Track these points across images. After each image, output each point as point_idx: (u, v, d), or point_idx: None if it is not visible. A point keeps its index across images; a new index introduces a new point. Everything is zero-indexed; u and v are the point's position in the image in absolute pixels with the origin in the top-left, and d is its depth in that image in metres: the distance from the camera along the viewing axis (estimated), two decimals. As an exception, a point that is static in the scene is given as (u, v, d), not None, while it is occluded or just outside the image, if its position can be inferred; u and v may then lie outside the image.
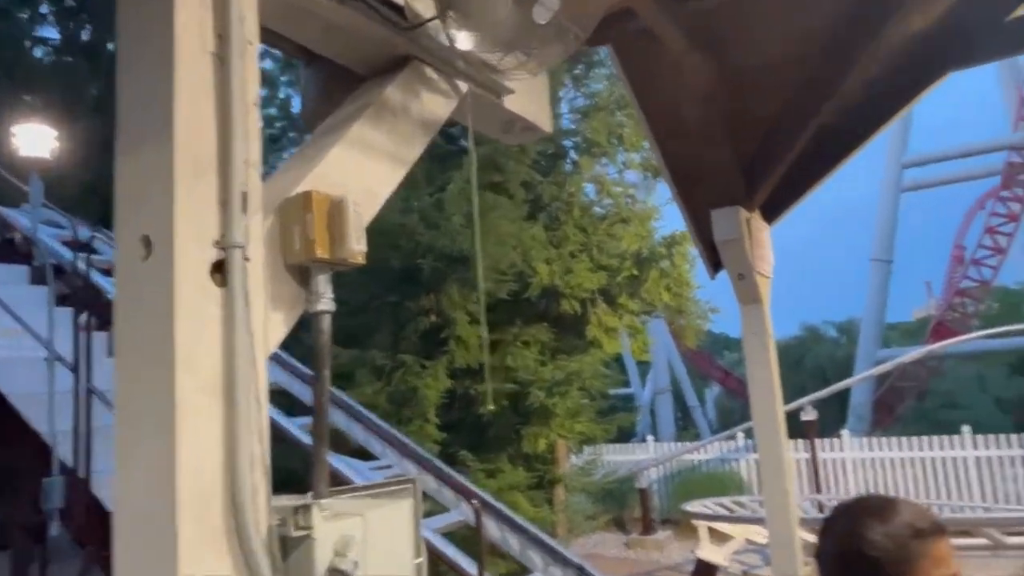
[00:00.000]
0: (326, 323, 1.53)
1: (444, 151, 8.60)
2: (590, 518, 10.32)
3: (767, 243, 4.74)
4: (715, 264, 4.64)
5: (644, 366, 30.59)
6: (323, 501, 1.47)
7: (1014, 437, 11.71)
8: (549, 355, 8.55)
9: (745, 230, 4.40)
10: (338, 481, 4.59)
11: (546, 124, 2.45)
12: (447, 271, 7.88)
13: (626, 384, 31.13)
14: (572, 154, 9.41)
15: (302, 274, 1.51)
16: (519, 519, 4.92)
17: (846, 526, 1.37)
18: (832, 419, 24.22)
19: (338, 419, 5.41)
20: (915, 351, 14.35)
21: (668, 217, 9.45)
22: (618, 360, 25.18)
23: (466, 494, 4.69)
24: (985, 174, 26.31)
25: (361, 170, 1.66)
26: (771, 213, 4.90)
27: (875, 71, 4.86)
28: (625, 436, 16.30)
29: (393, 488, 1.69)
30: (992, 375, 30.35)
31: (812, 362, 29.63)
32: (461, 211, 7.88)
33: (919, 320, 42.23)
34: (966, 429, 12.08)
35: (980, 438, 11.90)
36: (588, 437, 9.33)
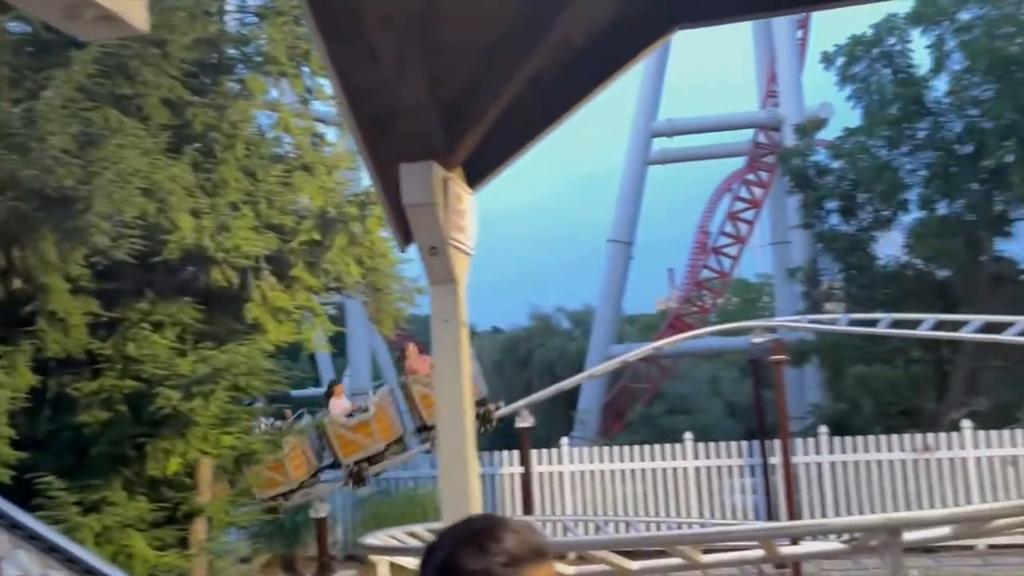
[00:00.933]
0: None
1: (44, 41, 7.68)
2: (244, 560, 10.11)
3: (469, 211, 4.97)
4: (406, 233, 4.76)
5: (343, 361, 30.72)
6: None
7: (734, 445, 13.96)
8: (191, 342, 8.14)
9: (440, 193, 4.55)
10: None
11: (139, 18, 2.26)
12: (39, 216, 7.07)
13: (316, 383, 30.99)
14: (242, 70, 9.01)
15: None
16: (101, 566, 4.60)
17: (443, 556, 1.48)
18: (560, 426, 26.69)
19: None
20: (641, 348, 16.33)
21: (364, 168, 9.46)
22: (310, 354, 24.87)
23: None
24: (736, 153, 30.73)
25: None
26: (475, 175, 5.15)
27: (597, 17, 5.33)
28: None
29: None
30: (727, 377, 35.86)
31: (542, 358, 32.30)
32: (67, 131, 7.10)
33: (661, 312, 48.24)
34: (688, 437, 14.11)
35: (702, 447, 13.99)
36: (244, 454, 9.08)
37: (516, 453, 13.79)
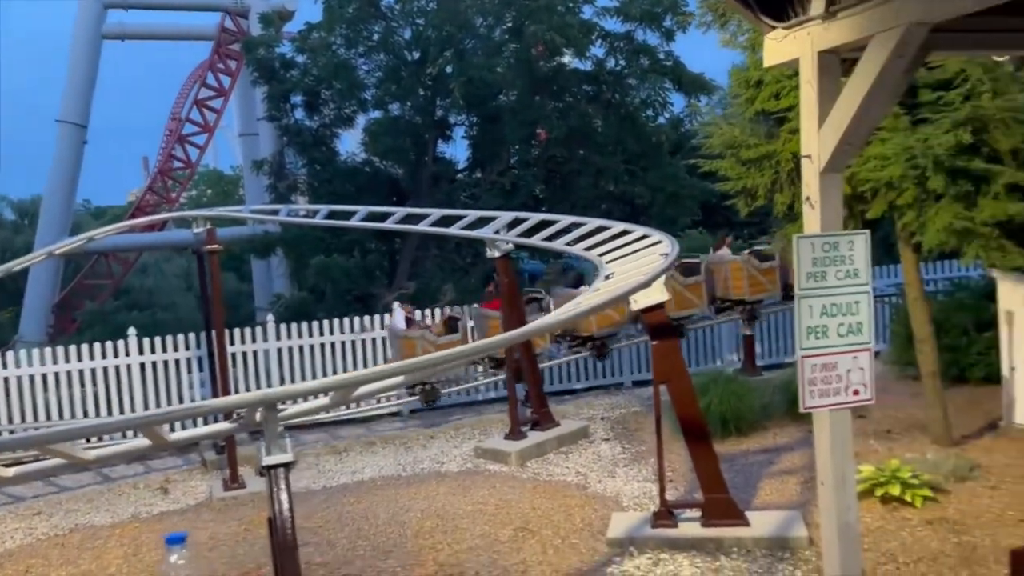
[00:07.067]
0: None
1: None
2: None
3: None
4: None
5: None
6: None
7: (181, 338, 13.62)
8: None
9: None
10: None
11: None
12: None
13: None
14: None
15: None
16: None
17: None
18: (5, 330, 23.61)
19: None
20: (72, 240, 14.95)
21: None
22: None
23: None
24: (204, 36, 29.18)
25: None
26: None
27: None
28: None
29: None
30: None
31: (-22, 254, 28.03)
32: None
33: (131, 204, 45.08)
34: (132, 333, 13.42)
35: (147, 342, 13.41)
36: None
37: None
